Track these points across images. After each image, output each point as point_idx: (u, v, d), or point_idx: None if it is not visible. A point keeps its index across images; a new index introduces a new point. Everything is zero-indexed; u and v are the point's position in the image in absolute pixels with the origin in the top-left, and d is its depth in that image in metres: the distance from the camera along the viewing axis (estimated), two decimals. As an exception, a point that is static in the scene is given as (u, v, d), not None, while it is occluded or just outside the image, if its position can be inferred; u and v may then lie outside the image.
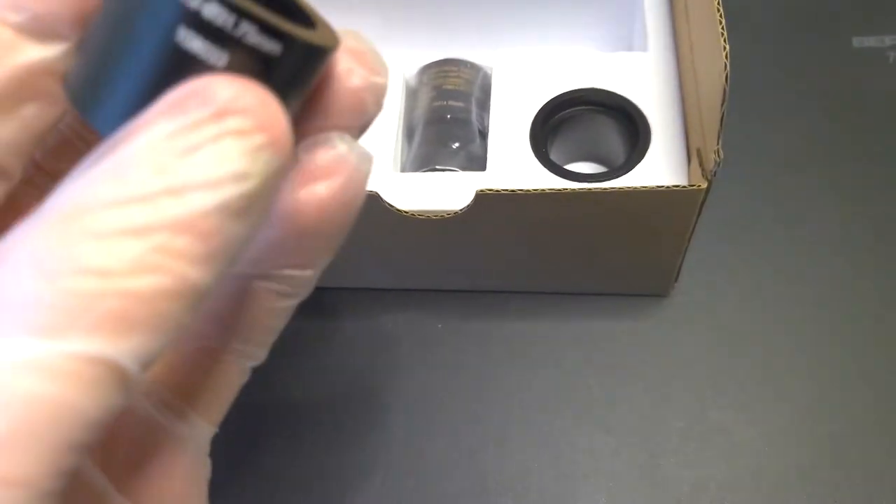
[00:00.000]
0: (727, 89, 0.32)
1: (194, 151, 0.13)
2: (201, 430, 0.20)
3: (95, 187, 0.13)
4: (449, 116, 0.42)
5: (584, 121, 0.42)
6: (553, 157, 0.42)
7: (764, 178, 0.48)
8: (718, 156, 0.34)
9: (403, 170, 0.43)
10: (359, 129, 0.18)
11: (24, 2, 0.15)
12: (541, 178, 0.40)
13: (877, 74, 0.51)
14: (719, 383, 0.42)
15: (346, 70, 0.17)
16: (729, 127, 0.33)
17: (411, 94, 0.45)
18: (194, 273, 0.13)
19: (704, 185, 0.35)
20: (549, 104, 0.41)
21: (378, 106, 0.18)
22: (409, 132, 0.44)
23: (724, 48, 0.31)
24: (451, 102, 0.43)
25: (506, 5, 0.45)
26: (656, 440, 0.41)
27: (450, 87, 0.43)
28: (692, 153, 0.38)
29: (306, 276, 0.19)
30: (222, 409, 0.21)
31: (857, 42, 0.53)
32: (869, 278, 0.44)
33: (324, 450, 0.42)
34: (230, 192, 0.13)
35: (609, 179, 0.39)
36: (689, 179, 0.38)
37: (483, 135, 0.42)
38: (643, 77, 0.42)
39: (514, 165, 0.41)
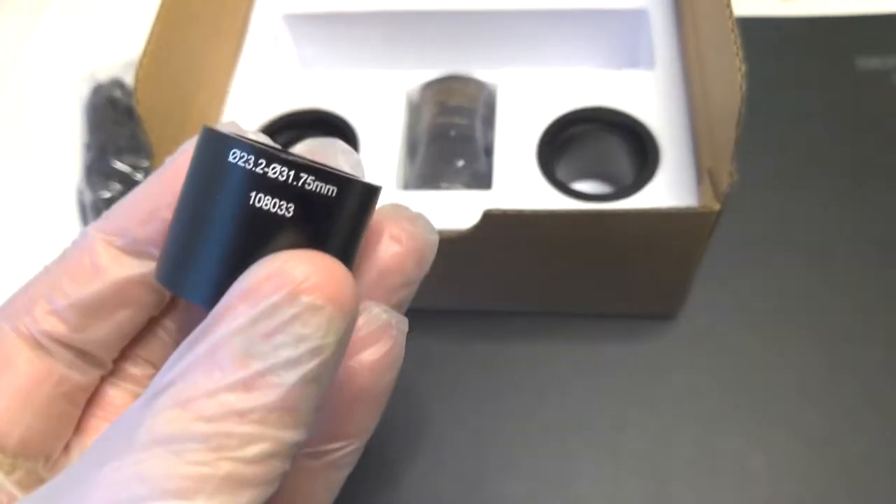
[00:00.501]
0: (743, 111, 0.31)
1: (275, 335, 0.15)
2: None
3: (197, 376, 0.15)
4: (453, 133, 0.42)
5: (592, 139, 0.41)
6: (559, 175, 0.41)
7: (771, 201, 0.47)
8: (732, 177, 0.33)
9: (406, 187, 0.42)
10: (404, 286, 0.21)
11: (126, 229, 0.20)
12: (547, 197, 0.39)
13: (881, 97, 0.51)
14: (728, 409, 0.41)
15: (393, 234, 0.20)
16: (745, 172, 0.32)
17: (414, 111, 0.44)
18: (287, 435, 0.16)
19: (717, 208, 0.34)
20: (557, 122, 0.40)
21: (420, 268, 0.21)
22: (411, 149, 0.43)
23: (740, 69, 0.31)
24: (455, 119, 0.42)
25: (511, 22, 0.44)
26: (665, 468, 0.40)
27: (454, 103, 0.42)
28: (703, 173, 0.37)
29: (357, 447, 0.21)
30: None
31: (860, 63, 0.53)
32: (880, 305, 0.44)
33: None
34: (310, 366, 0.15)
35: (617, 198, 0.38)
36: (700, 200, 0.37)
37: (488, 152, 0.42)
38: (650, 95, 0.41)
39: (519, 184, 0.40)
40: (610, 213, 0.35)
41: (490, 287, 0.42)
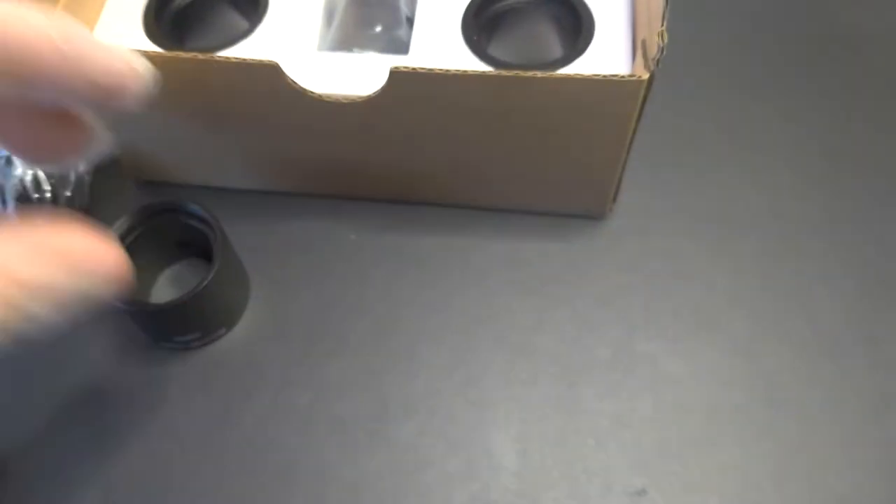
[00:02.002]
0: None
1: None
2: None
3: None
4: (374, -2, 0.38)
5: (523, 15, 0.37)
6: (492, 53, 0.38)
7: (708, 97, 0.45)
8: (662, 39, 0.30)
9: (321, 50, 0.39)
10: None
11: None
12: (469, 65, 0.36)
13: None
14: (651, 313, 0.38)
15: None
16: (673, 45, 0.29)
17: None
18: None
19: (646, 77, 0.31)
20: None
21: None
22: (329, 13, 0.39)
23: None
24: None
25: None
26: (578, 369, 0.37)
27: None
28: (638, 47, 0.34)
29: None
30: None
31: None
32: (822, 215, 0.41)
33: (213, 359, 0.38)
34: None
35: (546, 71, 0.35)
36: (636, 67, 0.34)
37: (411, 21, 0.38)
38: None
39: (442, 53, 0.36)
40: (529, 77, 0.31)
41: (404, 169, 0.39)
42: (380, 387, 0.37)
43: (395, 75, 0.32)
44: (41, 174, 0.39)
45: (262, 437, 0.36)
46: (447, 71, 0.31)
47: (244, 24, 0.39)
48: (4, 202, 0.38)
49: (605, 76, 0.31)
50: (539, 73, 0.31)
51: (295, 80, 0.34)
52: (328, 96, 0.34)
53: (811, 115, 0.44)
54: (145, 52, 0.33)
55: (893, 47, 0.47)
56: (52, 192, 0.39)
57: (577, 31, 0.36)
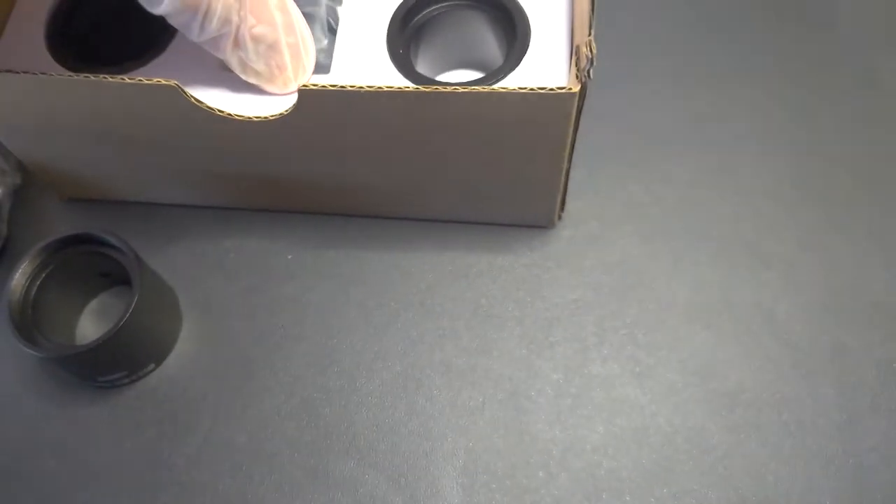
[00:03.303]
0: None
1: None
2: None
3: None
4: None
5: (452, 19, 0.34)
6: (421, 64, 0.35)
7: (666, 93, 0.42)
8: (591, 49, 0.27)
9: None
10: None
11: None
12: (393, 80, 0.33)
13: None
14: (605, 331, 0.36)
15: None
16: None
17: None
18: None
19: (577, 89, 0.28)
20: (407, 1, 0.33)
21: None
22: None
23: None
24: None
25: None
26: (528, 395, 0.35)
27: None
28: (573, 53, 0.31)
29: None
30: None
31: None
32: (782, 208, 0.38)
33: (142, 396, 0.36)
34: None
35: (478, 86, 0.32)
36: (570, 79, 0.31)
37: (334, 33, 0.35)
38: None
39: (364, 68, 0.33)
40: (449, 93, 0.28)
41: (339, 184, 0.36)
42: (318, 421, 0.35)
43: (305, 94, 0.29)
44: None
45: (196, 480, 0.34)
46: (360, 88, 0.29)
47: (164, 38, 0.36)
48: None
49: (531, 90, 0.28)
50: (459, 89, 0.28)
51: (202, 99, 0.31)
52: (238, 115, 0.31)
53: (777, 110, 0.41)
54: (42, 74, 0.30)
55: (863, 42, 0.44)
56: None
57: (513, 34, 0.33)
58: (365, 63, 0.33)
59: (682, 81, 0.42)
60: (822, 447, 0.33)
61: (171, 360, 0.36)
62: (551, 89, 0.28)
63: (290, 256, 0.39)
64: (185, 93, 0.30)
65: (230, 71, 0.32)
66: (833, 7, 0.44)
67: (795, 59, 0.42)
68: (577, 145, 0.32)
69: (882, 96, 0.41)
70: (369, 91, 0.29)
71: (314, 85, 0.29)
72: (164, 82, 0.30)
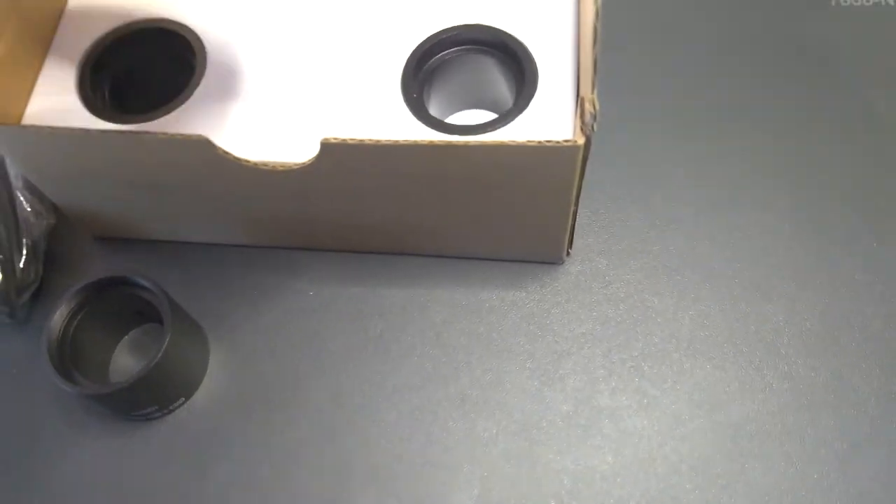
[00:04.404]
0: (599, 27, 0.27)
1: None
2: None
3: None
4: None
5: (464, 63, 0.36)
6: (434, 106, 0.37)
7: (672, 131, 0.43)
8: (594, 107, 0.28)
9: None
10: None
11: None
12: (410, 130, 0.34)
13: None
14: (613, 364, 0.37)
15: None
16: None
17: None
18: None
19: (581, 141, 0.30)
20: (421, 46, 0.35)
21: None
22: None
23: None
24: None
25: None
26: (539, 426, 0.36)
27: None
28: (579, 103, 0.33)
29: None
30: None
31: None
32: (787, 261, 0.40)
33: (173, 429, 0.38)
34: None
35: (486, 131, 0.34)
36: (576, 131, 0.33)
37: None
38: (532, 12, 0.36)
39: (381, 113, 0.35)
40: (462, 146, 0.30)
41: (354, 225, 0.38)
42: (340, 453, 0.36)
43: (326, 147, 0.31)
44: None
45: (224, 509, 0.36)
46: (378, 142, 0.31)
47: (191, 86, 0.38)
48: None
49: (539, 143, 0.30)
50: (472, 141, 0.30)
51: (227, 143, 0.33)
52: (263, 164, 0.33)
53: (777, 148, 0.42)
54: (78, 129, 0.32)
55: (861, 78, 0.45)
56: (3, 262, 0.39)
57: (521, 77, 0.35)
58: (381, 109, 0.35)
59: (685, 121, 0.43)
60: (824, 475, 0.34)
61: (200, 394, 0.38)
62: (558, 142, 0.30)
63: (311, 293, 0.40)
64: (213, 145, 0.32)
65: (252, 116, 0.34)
66: (831, 44, 0.46)
67: (794, 97, 0.44)
68: (584, 185, 0.34)
69: (880, 131, 0.43)
70: (387, 144, 0.30)
71: (335, 139, 0.31)
72: (194, 136, 0.32)
